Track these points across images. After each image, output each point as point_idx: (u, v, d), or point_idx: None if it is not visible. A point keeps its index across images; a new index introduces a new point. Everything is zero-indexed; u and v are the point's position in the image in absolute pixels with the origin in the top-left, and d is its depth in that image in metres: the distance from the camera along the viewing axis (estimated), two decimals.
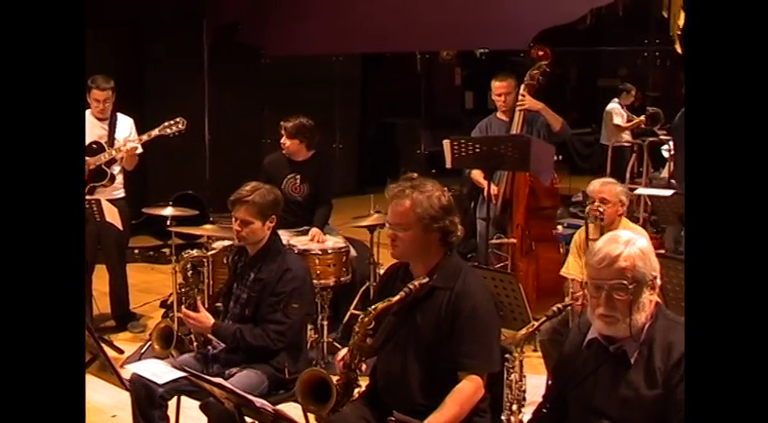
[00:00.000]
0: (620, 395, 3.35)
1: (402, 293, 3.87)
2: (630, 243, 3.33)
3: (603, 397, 3.40)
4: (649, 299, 3.35)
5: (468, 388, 3.82)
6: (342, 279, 6.92)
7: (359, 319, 3.98)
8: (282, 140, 7.32)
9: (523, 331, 3.51)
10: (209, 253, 6.26)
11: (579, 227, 6.49)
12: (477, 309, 3.87)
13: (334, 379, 4.08)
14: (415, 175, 4.11)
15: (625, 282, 3.27)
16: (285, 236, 7.16)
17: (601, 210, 5.84)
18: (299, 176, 7.37)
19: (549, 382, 3.82)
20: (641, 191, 9.32)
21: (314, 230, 7.16)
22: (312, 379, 4.08)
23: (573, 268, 6.11)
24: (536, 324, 3.67)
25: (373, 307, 3.93)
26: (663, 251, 8.08)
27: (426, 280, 3.90)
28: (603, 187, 6.03)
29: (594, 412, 3.42)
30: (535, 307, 6.99)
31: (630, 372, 3.35)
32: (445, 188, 4.08)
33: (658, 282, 3.39)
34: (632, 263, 3.29)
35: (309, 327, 6.58)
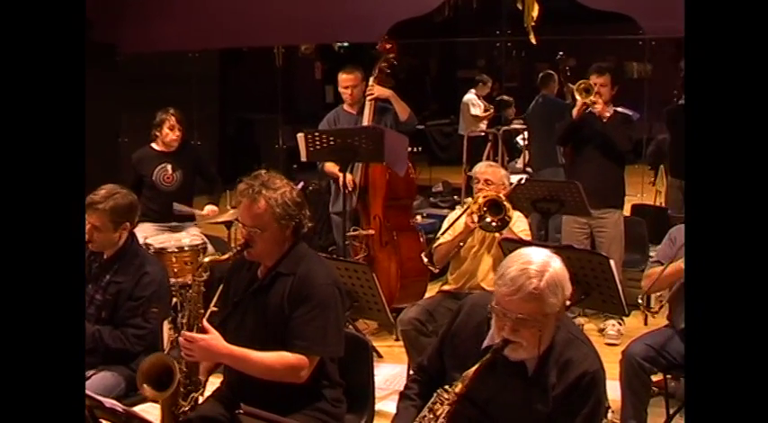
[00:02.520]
0: (509, 401, 3.38)
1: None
2: (544, 275, 3.22)
3: (491, 397, 3.42)
4: (556, 324, 3.33)
5: (293, 358, 3.85)
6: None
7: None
8: (168, 131, 7.37)
9: (470, 371, 3.34)
10: None
11: (440, 217, 6.62)
12: (316, 293, 3.90)
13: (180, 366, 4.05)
14: (264, 171, 4.08)
15: (534, 318, 3.21)
16: (149, 231, 7.09)
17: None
18: (169, 166, 7.40)
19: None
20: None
21: (211, 208, 7.37)
22: (156, 365, 4.05)
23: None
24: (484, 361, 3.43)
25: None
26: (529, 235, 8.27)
27: None
28: (488, 169, 6.20)
29: (476, 407, 3.45)
30: (399, 296, 7.12)
31: (526, 383, 3.36)
32: (301, 182, 4.09)
33: (566, 304, 3.35)
34: (544, 300, 3.20)
35: (169, 326, 6.51)
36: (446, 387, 3.34)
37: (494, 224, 5.72)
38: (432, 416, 3.31)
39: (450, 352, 3.59)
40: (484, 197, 5.82)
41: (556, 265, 3.29)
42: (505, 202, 5.78)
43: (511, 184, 6.38)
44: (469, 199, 6.15)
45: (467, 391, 3.35)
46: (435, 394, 3.37)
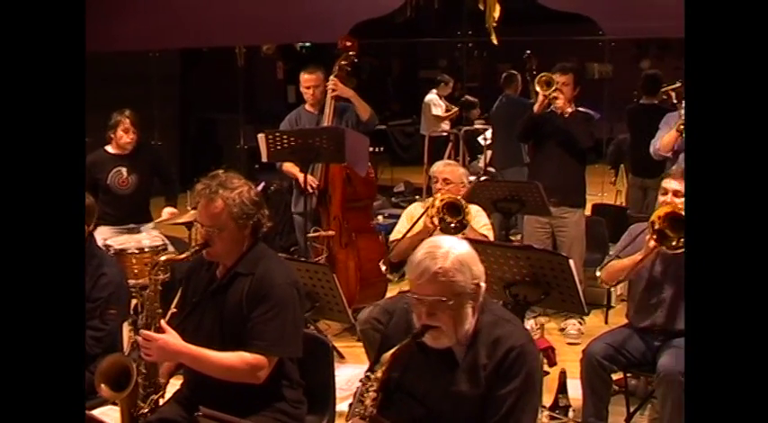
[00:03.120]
0: (444, 392, 3.40)
1: None
2: (449, 255, 3.28)
3: (427, 390, 3.44)
4: (472, 306, 3.36)
5: (252, 358, 3.84)
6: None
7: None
8: (122, 133, 7.31)
9: (388, 354, 3.39)
10: None
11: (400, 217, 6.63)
12: (274, 293, 3.89)
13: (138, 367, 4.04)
14: (221, 171, 4.06)
15: (444, 298, 3.26)
16: (107, 234, 7.04)
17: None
18: (124, 169, 7.32)
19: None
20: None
21: (170, 210, 7.33)
22: (115, 365, 4.03)
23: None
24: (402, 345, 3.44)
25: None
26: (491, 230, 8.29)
27: None
28: (446, 168, 6.20)
29: (417, 402, 3.46)
30: (359, 297, 7.11)
31: (457, 371, 3.39)
32: (262, 182, 4.08)
33: (482, 287, 3.38)
34: (450, 278, 3.26)
35: (129, 327, 6.47)
36: (368, 373, 3.37)
37: (453, 225, 5.72)
38: (361, 405, 3.32)
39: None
40: (441, 200, 5.81)
41: (462, 248, 3.36)
42: (463, 204, 5.78)
43: (470, 182, 6.39)
44: (429, 199, 6.15)
45: (407, 385, 3.44)
46: (360, 382, 3.38)
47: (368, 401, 3.30)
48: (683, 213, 4.85)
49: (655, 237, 4.91)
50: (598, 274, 5.37)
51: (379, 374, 3.32)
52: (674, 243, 4.88)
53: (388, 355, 3.35)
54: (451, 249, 3.31)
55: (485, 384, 3.33)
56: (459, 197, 5.89)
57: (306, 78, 7.70)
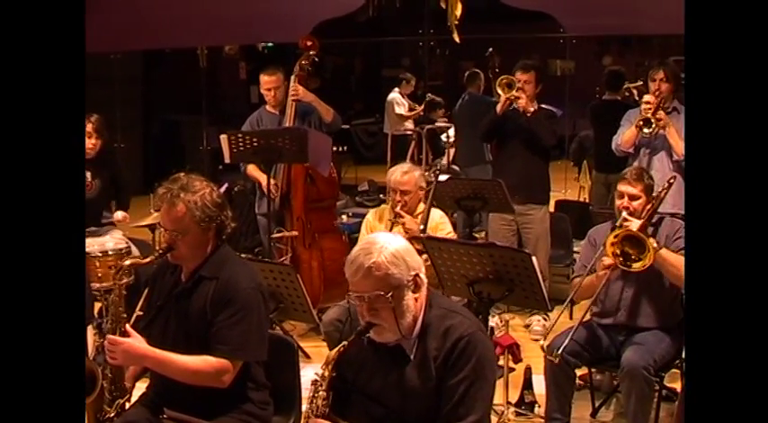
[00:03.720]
0: (398, 388, 3.41)
1: None
2: (383, 250, 3.29)
3: (382, 388, 3.45)
4: (414, 298, 3.37)
5: (216, 362, 3.83)
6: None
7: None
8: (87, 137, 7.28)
9: (333, 352, 3.42)
10: None
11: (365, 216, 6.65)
12: (239, 297, 3.88)
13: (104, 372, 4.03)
14: (183, 174, 4.05)
15: (382, 292, 3.27)
16: None
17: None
18: (88, 173, 7.26)
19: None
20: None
21: (122, 214, 7.26)
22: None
23: None
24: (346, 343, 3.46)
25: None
26: (454, 236, 8.33)
27: None
28: (403, 177, 6.16)
29: (373, 401, 3.47)
30: (324, 298, 7.11)
31: (409, 366, 3.40)
32: (225, 183, 4.07)
33: (422, 278, 3.40)
34: (385, 271, 3.27)
35: (94, 331, 6.43)
36: (316, 373, 3.38)
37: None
38: (313, 405, 3.34)
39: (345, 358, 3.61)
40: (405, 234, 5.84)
41: (396, 242, 3.39)
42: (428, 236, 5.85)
43: (428, 183, 6.41)
44: (383, 206, 6.17)
45: (362, 386, 3.47)
46: (311, 384, 3.39)
47: (319, 401, 3.33)
48: (634, 231, 5.02)
49: (620, 261, 5.02)
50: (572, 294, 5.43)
51: (326, 373, 3.34)
52: (636, 260, 5.01)
53: (332, 353, 3.37)
54: (386, 244, 3.32)
55: (436, 376, 3.34)
56: (419, 232, 5.92)
57: (266, 80, 7.68)
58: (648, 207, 5.30)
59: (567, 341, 5.05)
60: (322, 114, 7.54)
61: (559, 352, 5.02)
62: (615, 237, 5.02)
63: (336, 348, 3.37)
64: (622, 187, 5.32)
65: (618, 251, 5.02)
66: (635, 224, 5.13)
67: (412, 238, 5.73)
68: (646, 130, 6.56)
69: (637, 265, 4.98)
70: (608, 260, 5.06)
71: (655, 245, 5.02)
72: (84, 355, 3.96)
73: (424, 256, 5.25)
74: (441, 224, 6.18)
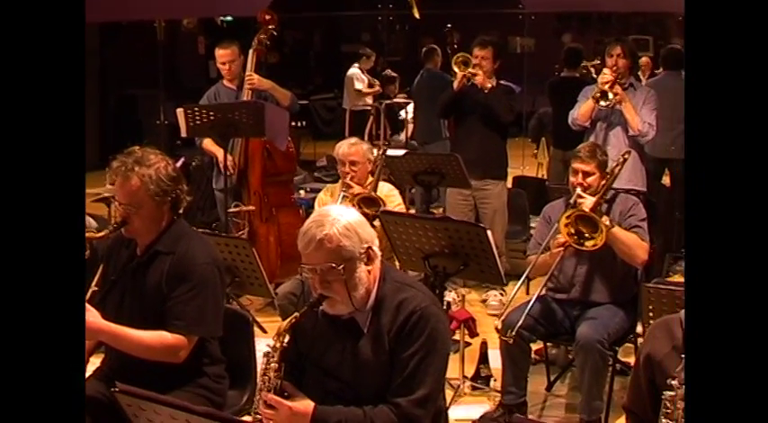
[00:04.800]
0: (352, 362, 3.42)
1: None
2: (335, 222, 3.29)
3: (336, 362, 3.46)
4: (367, 270, 3.37)
5: (172, 338, 3.82)
6: None
7: None
8: None
9: (284, 324, 3.39)
10: None
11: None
12: (195, 272, 3.87)
13: None
14: (137, 148, 4.01)
15: (334, 264, 3.26)
16: None
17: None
18: None
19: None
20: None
21: None
22: None
23: None
24: (298, 314, 3.44)
25: None
26: (413, 211, 8.35)
27: None
28: (350, 149, 6.19)
29: (328, 375, 3.48)
30: (280, 272, 7.10)
31: (362, 340, 3.41)
32: (182, 158, 4.04)
33: (375, 251, 3.39)
34: (337, 243, 3.26)
35: None
36: (268, 345, 3.37)
37: (371, 216, 5.79)
38: (266, 377, 3.33)
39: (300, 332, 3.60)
40: (354, 197, 5.96)
41: (349, 214, 3.39)
42: (377, 196, 5.99)
43: (376, 157, 6.42)
44: (335, 185, 6.19)
45: (317, 359, 3.48)
46: (263, 356, 3.38)
47: (271, 373, 3.32)
48: (586, 211, 5.08)
49: (574, 239, 5.06)
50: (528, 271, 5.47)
51: (277, 345, 3.33)
52: (589, 238, 5.08)
53: (284, 324, 3.35)
54: (338, 216, 3.32)
55: (389, 349, 3.35)
56: (370, 191, 6.02)
57: (221, 54, 7.61)
58: (603, 182, 5.34)
59: (521, 320, 5.08)
60: (279, 100, 7.44)
61: (514, 332, 5.05)
62: (567, 217, 5.06)
63: (288, 320, 3.36)
64: (576, 164, 5.36)
65: (572, 230, 5.06)
66: (589, 201, 5.17)
67: (360, 201, 5.81)
68: (602, 103, 6.58)
69: (588, 244, 5.03)
70: (561, 238, 5.10)
71: (607, 222, 5.07)
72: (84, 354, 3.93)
73: (377, 222, 5.29)
74: (390, 197, 6.20)
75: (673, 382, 2.82)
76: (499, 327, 5.20)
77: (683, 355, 2.81)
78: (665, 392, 2.85)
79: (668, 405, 2.83)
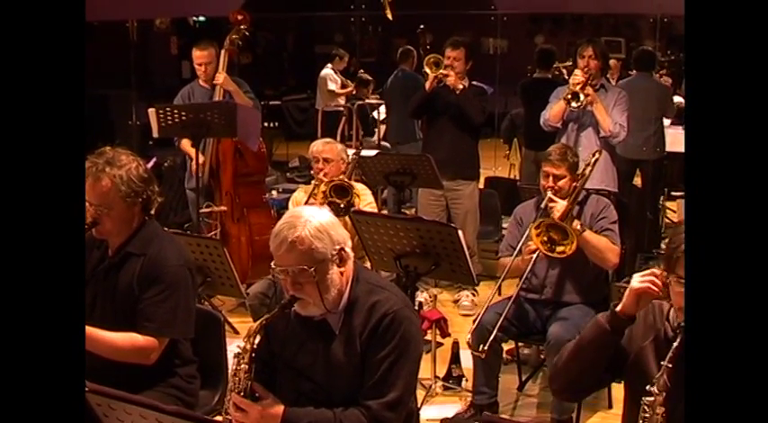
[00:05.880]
0: (324, 363, 3.41)
1: None
2: (307, 224, 3.26)
3: (309, 363, 3.46)
4: (339, 272, 3.36)
5: (142, 339, 3.82)
6: None
7: None
8: None
9: (255, 325, 3.38)
10: None
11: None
12: (166, 274, 3.86)
13: None
14: (108, 148, 3.99)
15: (305, 266, 3.24)
16: None
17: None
18: None
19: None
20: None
21: None
22: None
23: None
24: (268, 316, 3.43)
25: None
26: (385, 211, 8.35)
27: None
28: (325, 146, 6.24)
29: (301, 375, 3.48)
30: (252, 273, 7.09)
31: (334, 341, 3.41)
32: (153, 158, 4.02)
33: (348, 252, 3.38)
34: (309, 245, 3.23)
35: None
36: (238, 346, 3.37)
37: (342, 206, 5.81)
38: (236, 379, 3.32)
39: (272, 332, 3.60)
40: (327, 184, 5.92)
41: (321, 215, 3.36)
42: (349, 184, 5.97)
43: (349, 156, 6.44)
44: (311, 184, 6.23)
45: (290, 360, 3.48)
46: (234, 357, 3.37)
47: (241, 374, 3.30)
48: (556, 220, 5.12)
49: (546, 247, 5.09)
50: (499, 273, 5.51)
51: (247, 346, 3.32)
52: (560, 245, 5.10)
53: (255, 325, 3.35)
54: (310, 218, 3.29)
55: (361, 351, 3.34)
56: (344, 179, 6.01)
57: (198, 55, 7.59)
58: (574, 185, 5.37)
59: (493, 334, 5.09)
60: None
61: (486, 347, 5.07)
62: (537, 227, 5.08)
63: (259, 321, 3.36)
64: (546, 167, 5.39)
65: (544, 238, 5.08)
66: (560, 206, 5.21)
67: (332, 190, 5.83)
68: (574, 104, 6.59)
69: (559, 250, 5.05)
70: (533, 245, 5.11)
71: (578, 227, 5.10)
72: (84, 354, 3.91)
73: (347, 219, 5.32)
74: (363, 196, 6.20)
75: (652, 389, 2.82)
76: (470, 342, 5.21)
77: (662, 363, 2.82)
78: (644, 398, 2.85)
79: (647, 410, 2.83)
